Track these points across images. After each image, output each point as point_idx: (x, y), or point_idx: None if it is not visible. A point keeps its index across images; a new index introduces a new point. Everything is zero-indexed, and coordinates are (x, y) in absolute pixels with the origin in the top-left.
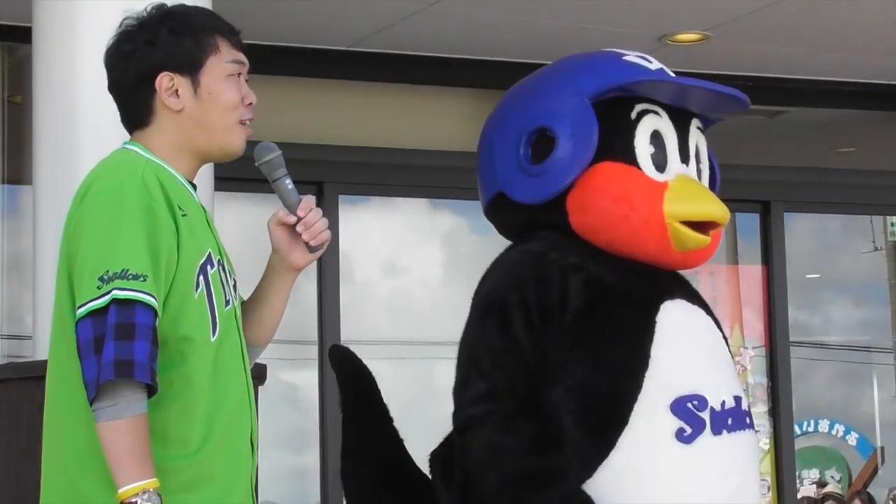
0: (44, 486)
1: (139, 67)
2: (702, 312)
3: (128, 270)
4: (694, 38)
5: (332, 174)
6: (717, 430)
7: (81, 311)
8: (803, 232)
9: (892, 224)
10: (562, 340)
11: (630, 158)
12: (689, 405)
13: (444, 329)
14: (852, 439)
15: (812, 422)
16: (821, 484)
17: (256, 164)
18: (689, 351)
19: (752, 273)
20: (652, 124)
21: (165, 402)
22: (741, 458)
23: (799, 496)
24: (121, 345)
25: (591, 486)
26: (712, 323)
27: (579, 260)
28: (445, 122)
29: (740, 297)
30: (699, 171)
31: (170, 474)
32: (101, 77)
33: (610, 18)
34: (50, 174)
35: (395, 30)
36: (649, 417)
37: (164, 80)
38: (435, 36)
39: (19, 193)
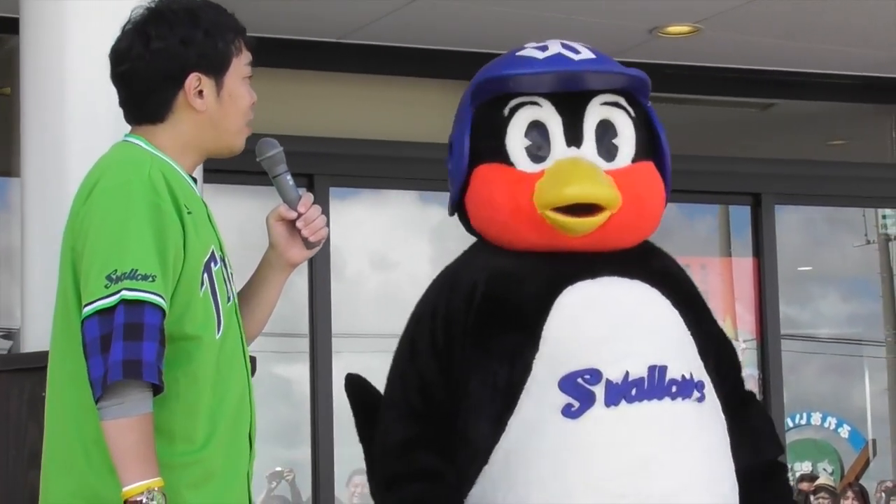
0: (45, 481)
1: (169, 65)
2: (641, 286)
3: (136, 271)
4: (685, 31)
5: (322, 166)
6: (611, 402)
7: (88, 310)
8: (795, 225)
9: (884, 217)
10: (468, 339)
11: (503, 157)
12: (580, 380)
13: None
14: (844, 432)
15: (804, 414)
16: (811, 478)
17: (258, 160)
18: (591, 327)
19: (743, 265)
20: (529, 116)
21: (171, 399)
22: (652, 429)
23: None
24: (129, 345)
25: (487, 471)
26: (655, 295)
27: (488, 258)
28: (437, 114)
29: (733, 290)
30: (610, 148)
31: (176, 472)
32: (90, 69)
33: (601, 10)
34: (38, 167)
35: (386, 21)
36: (538, 397)
37: (192, 81)
38: (425, 28)
39: (7, 186)
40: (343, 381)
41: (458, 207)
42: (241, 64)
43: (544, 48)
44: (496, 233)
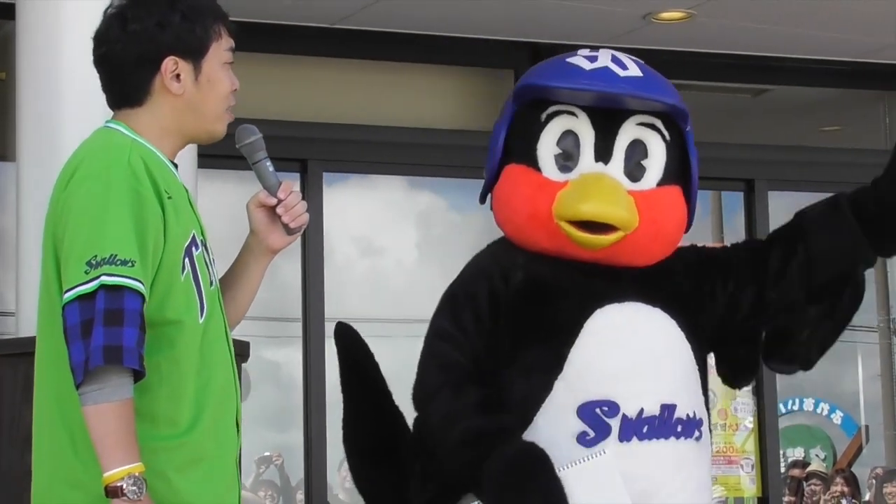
0: (35, 466)
1: (145, 48)
2: (661, 316)
3: (116, 256)
4: (678, 16)
5: (316, 151)
6: (625, 437)
7: (69, 296)
8: (788, 210)
9: None
10: (504, 333)
11: (531, 160)
12: (598, 410)
13: (426, 307)
14: (837, 418)
15: (797, 400)
16: (803, 464)
17: (237, 146)
18: (614, 357)
19: None
20: (563, 125)
21: (154, 384)
22: (653, 466)
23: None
24: (110, 330)
25: None
26: (672, 327)
27: (525, 259)
28: (430, 99)
29: None
30: (638, 168)
31: (160, 454)
32: (85, 54)
33: None
34: (34, 151)
35: (379, 7)
36: (554, 419)
37: (169, 64)
38: (418, 13)
39: (2, 170)
40: (333, 330)
41: (486, 199)
42: (220, 49)
43: (594, 59)
44: (511, 231)
